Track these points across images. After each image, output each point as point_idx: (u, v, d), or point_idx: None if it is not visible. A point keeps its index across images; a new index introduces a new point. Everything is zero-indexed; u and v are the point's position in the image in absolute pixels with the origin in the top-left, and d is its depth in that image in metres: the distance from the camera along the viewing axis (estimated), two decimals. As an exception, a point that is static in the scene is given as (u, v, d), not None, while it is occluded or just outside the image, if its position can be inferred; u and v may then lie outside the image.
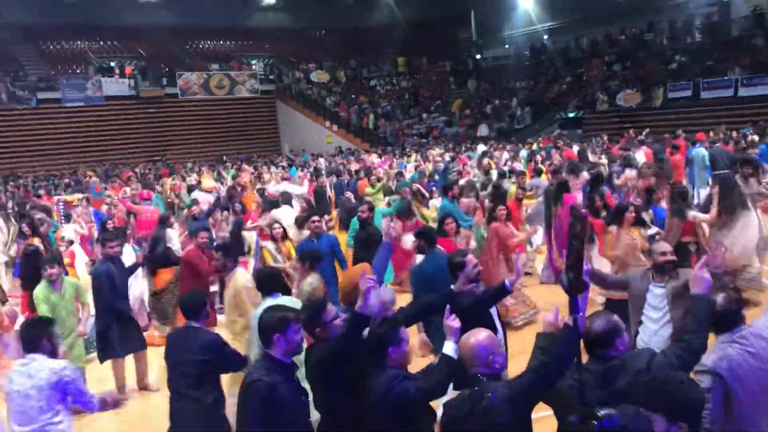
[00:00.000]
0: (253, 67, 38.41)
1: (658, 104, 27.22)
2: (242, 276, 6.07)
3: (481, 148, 21.83)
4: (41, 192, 17.56)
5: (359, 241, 8.72)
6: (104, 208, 13.17)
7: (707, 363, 3.24)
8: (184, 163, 26.99)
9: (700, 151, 14.13)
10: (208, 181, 16.48)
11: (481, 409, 3.12)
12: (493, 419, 3.09)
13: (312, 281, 6.01)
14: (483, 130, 21.18)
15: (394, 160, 21.19)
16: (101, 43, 36.66)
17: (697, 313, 3.27)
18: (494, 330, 4.28)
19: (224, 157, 29.51)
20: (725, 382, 3.15)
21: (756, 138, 16.94)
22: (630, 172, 11.12)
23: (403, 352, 3.63)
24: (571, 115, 30.05)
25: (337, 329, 3.81)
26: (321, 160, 24.63)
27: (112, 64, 34.79)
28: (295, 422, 3.58)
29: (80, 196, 16.25)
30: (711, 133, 18.77)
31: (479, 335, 3.35)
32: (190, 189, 15.23)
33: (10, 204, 15.17)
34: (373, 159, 21.97)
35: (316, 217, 7.97)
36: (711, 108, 25.02)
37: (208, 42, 40.31)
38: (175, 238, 9.20)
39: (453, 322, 3.62)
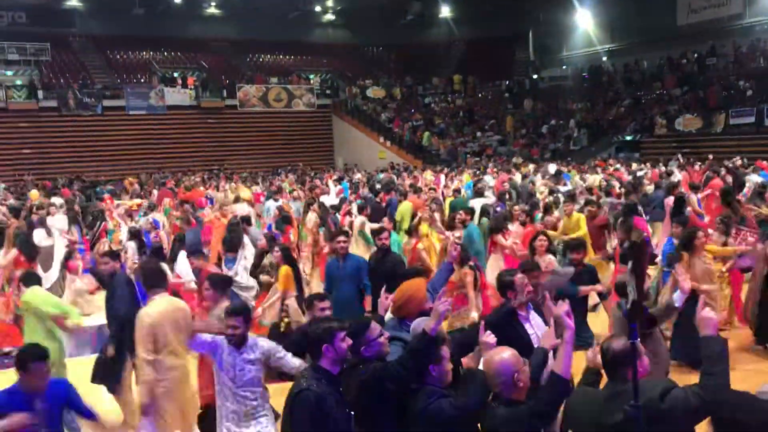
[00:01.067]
0: (311, 81, 38.98)
1: (719, 130, 26.57)
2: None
3: (553, 167, 21.76)
4: (104, 195, 18.18)
5: (371, 270, 7.55)
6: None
7: None
8: (240, 172, 27.52)
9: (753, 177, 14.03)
10: (245, 192, 16.98)
11: (485, 428, 3.24)
12: None
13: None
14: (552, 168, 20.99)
15: (453, 176, 20.86)
16: (165, 53, 37.81)
17: (710, 355, 3.13)
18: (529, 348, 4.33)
19: (278, 169, 29.98)
20: None
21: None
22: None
23: (444, 369, 3.68)
24: (629, 138, 29.56)
25: (380, 347, 3.86)
26: (358, 174, 24.65)
27: (175, 74, 35.75)
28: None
29: (140, 201, 16.76)
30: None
31: (504, 354, 3.38)
32: (236, 200, 15.58)
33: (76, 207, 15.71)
34: (427, 176, 21.78)
35: (342, 237, 7.54)
36: (774, 135, 24.33)
37: (268, 56, 41.13)
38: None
39: (488, 338, 3.71)
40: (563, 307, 3.33)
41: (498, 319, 4.27)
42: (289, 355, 4.86)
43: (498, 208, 12.16)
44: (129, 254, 10.26)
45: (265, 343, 4.95)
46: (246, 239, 9.90)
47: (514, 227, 9.97)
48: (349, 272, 7.24)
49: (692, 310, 3.33)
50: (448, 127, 35.92)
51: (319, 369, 3.66)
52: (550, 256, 7.21)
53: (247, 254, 9.27)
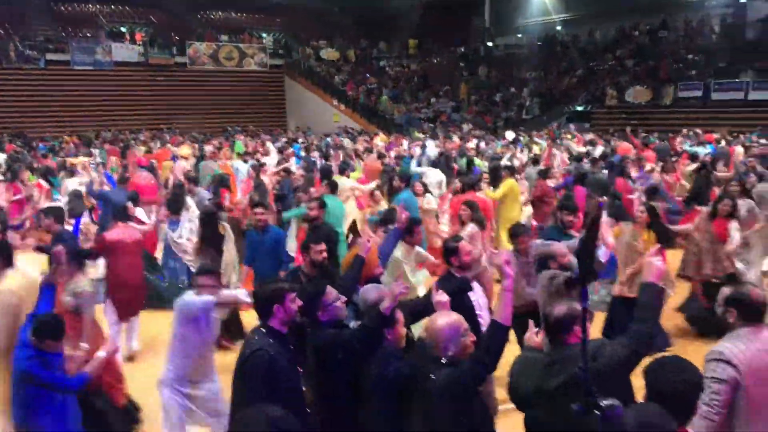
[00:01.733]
0: (263, 40, 38.17)
1: (668, 102, 27.10)
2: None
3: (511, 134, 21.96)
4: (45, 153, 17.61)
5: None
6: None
7: (724, 351, 3.20)
8: (189, 132, 26.92)
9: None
10: (184, 150, 17.01)
11: (423, 391, 3.26)
12: (432, 403, 3.22)
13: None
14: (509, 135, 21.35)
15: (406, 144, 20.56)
16: (113, 6, 36.40)
17: (646, 302, 3.19)
18: (475, 319, 4.37)
19: (228, 128, 29.46)
20: (739, 373, 3.12)
21: None
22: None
23: (398, 333, 3.75)
24: (580, 108, 29.92)
25: (336, 311, 3.86)
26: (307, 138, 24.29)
27: (123, 29, 34.56)
28: (293, 392, 3.65)
29: (84, 159, 16.27)
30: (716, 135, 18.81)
31: (443, 319, 3.40)
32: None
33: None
34: (378, 142, 21.45)
35: (259, 209, 7.21)
36: (720, 110, 24.92)
37: (219, 12, 40.02)
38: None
39: (441, 296, 3.80)
40: (504, 256, 3.33)
41: (451, 288, 4.26)
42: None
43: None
44: None
45: None
46: (190, 201, 9.69)
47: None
48: (267, 246, 6.99)
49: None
50: (403, 92, 35.74)
51: (269, 329, 3.67)
52: (473, 225, 7.18)
53: (192, 216, 9.06)
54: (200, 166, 14.41)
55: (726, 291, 3.44)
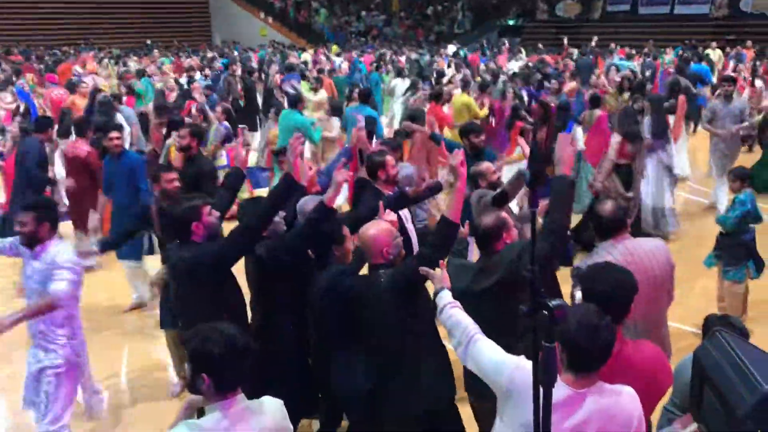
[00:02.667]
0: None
1: (596, 16, 27.25)
2: None
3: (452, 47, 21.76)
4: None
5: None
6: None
7: (580, 266, 3.31)
8: (109, 47, 25.57)
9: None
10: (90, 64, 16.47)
11: (372, 295, 3.29)
12: (382, 305, 3.26)
13: None
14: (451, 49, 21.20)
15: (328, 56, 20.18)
16: None
17: (559, 193, 3.29)
18: (404, 229, 4.41)
19: (148, 41, 28.10)
20: None
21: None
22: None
23: (346, 249, 3.74)
24: (511, 22, 29.79)
25: (213, 226, 3.75)
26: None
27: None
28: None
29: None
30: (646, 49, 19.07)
31: (373, 229, 3.41)
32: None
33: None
34: (305, 57, 20.97)
35: (115, 133, 6.67)
36: (648, 23, 25.24)
37: None
38: None
39: (388, 215, 3.85)
40: (458, 156, 3.31)
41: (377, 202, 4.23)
42: None
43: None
44: None
45: None
46: (120, 118, 9.30)
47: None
48: (123, 171, 6.56)
49: None
50: (333, 4, 34.70)
51: (193, 244, 3.61)
52: None
53: (125, 135, 8.68)
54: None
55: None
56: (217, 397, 2.34)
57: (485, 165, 5.09)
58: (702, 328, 3.35)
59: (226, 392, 2.35)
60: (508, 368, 2.43)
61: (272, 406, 2.47)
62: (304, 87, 12.76)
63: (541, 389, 1.85)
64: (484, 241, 3.42)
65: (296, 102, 9.10)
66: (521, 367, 2.39)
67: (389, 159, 4.74)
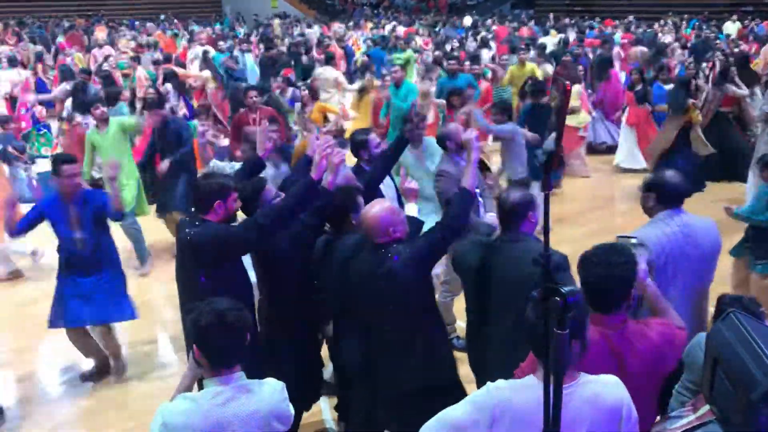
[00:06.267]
0: None
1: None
2: None
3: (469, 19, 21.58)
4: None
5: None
6: None
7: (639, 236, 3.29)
8: (120, 20, 25.46)
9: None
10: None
11: (385, 272, 3.25)
12: (399, 278, 3.24)
13: None
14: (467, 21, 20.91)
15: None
16: None
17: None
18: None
19: (162, 16, 27.92)
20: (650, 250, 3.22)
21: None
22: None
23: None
24: (524, -7, 29.35)
25: (232, 212, 3.76)
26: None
27: None
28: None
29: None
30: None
31: (375, 209, 3.39)
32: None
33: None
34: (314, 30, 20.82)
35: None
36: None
37: None
38: None
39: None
40: (472, 133, 3.42)
41: (363, 180, 4.26)
42: None
43: None
44: None
45: None
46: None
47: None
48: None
49: None
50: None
51: (206, 222, 3.59)
52: None
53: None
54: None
55: (647, 177, 3.55)
56: (212, 372, 2.39)
57: (452, 126, 5.11)
58: (715, 309, 3.32)
59: (220, 367, 2.39)
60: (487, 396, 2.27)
61: (271, 388, 2.47)
62: None
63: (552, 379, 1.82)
64: (508, 217, 3.29)
65: None
66: (502, 388, 2.26)
67: (372, 137, 4.83)
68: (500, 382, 2.29)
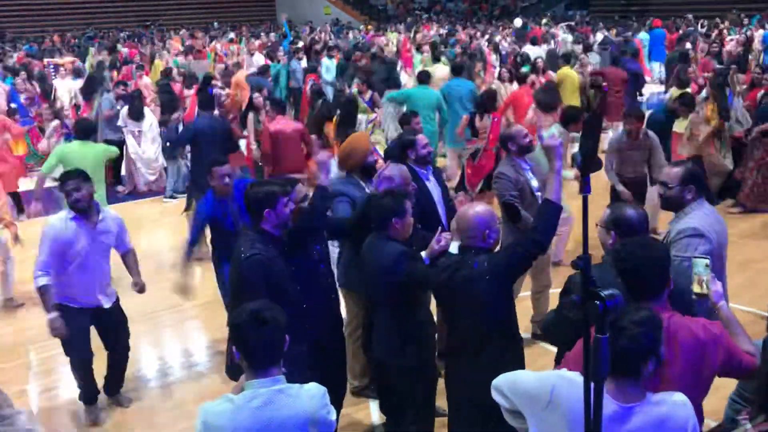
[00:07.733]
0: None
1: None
2: None
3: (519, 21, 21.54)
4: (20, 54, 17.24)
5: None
6: None
7: (697, 227, 3.19)
8: (177, 29, 26.08)
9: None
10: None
11: (462, 277, 3.20)
12: (473, 288, 3.18)
13: None
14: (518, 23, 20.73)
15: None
16: None
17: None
18: (434, 208, 4.60)
19: (215, 23, 28.53)
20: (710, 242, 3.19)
21: None
22: None
23: (407, 222, 3.67)
24: (579, -7, 28.90)
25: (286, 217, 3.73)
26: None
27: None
28: (292, 292, 3.64)
29: (72, 59, 15.90)
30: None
31: (478, 208, 3.34)
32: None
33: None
34: (391, 36, 20.74)
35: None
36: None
37: None
38: None
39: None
40: (554, 140, 3.30)
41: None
42: None
43: None
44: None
45: None
46: None
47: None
48: None
49: None
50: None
51: (261, 232, 3.60)
52: None
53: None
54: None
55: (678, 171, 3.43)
56: (251, 375, 2.39)
57: (517, 128, 5.07)
58: None
59: (258, 368, 2.37)
60: (552, 378, 2.33)
61: (311, 393, 2.43)
62: None
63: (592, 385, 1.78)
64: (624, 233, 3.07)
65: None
66: (564, 377, 2.30)
67: (421, 138, 4.82)
68: (565, 371, 2.34)
